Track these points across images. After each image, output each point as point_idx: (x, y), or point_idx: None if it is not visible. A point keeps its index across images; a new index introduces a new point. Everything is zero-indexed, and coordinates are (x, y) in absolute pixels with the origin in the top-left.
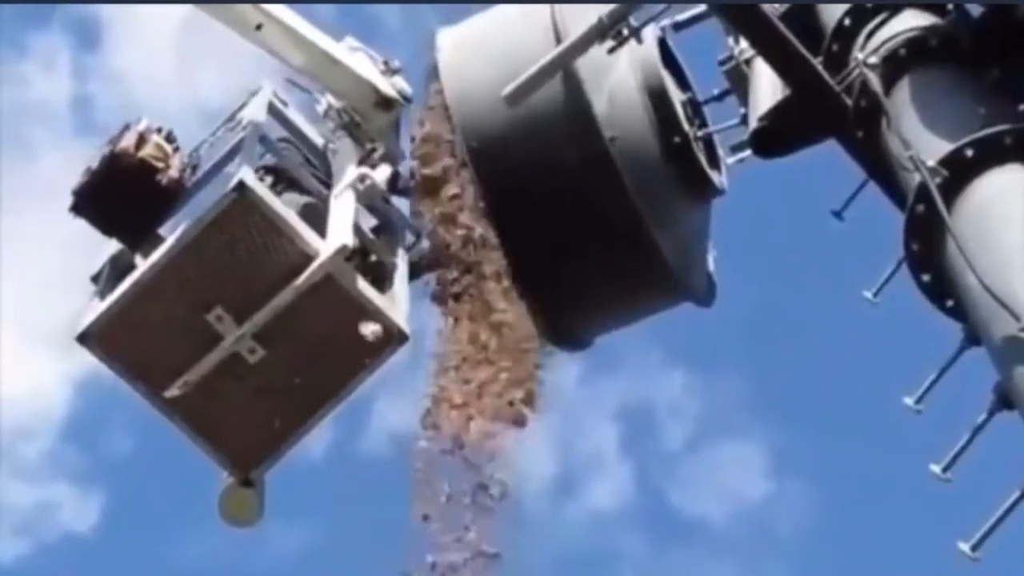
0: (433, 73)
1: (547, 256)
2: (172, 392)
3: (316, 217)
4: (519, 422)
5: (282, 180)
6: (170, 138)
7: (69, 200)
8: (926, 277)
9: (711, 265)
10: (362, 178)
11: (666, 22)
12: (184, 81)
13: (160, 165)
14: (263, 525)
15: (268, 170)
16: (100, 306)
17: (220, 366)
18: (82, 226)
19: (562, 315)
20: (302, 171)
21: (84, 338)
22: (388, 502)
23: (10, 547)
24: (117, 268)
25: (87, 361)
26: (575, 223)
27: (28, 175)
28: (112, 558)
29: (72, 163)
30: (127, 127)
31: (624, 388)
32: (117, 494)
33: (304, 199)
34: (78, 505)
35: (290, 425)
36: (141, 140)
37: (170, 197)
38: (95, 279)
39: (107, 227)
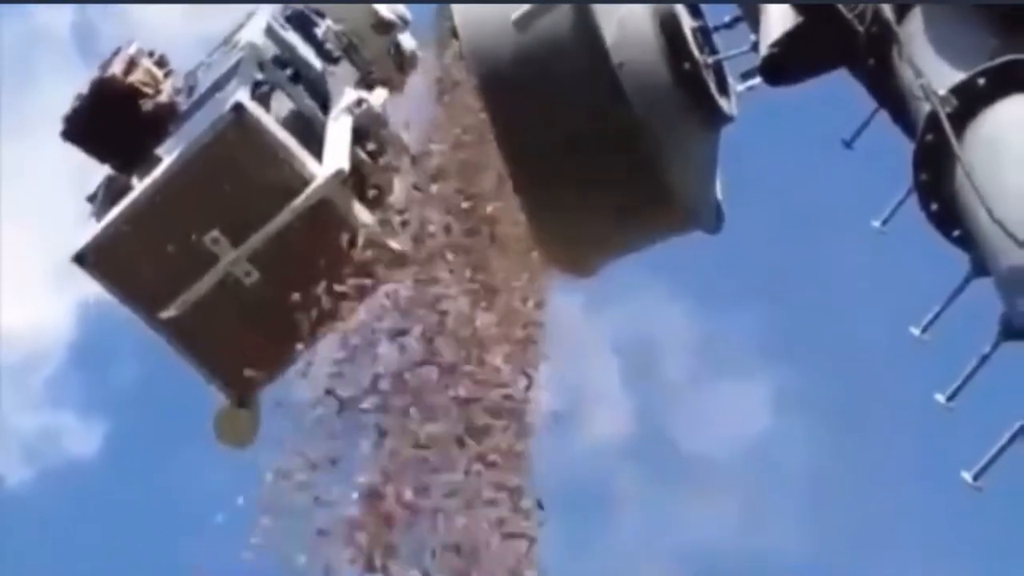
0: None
1: (554, 182)
2: (168, 313)
3: (313, 140)
4: None
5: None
6: (162, 62)
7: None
8: (934, 206)
9: (719, 193)
10: (359, 102)
11: None
12: (188, 6)
13: (149, 91)
14: None
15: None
16: (96, 227)
17: (216, 288)
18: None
19: (569, 241)
20: (298, 93)
21: (80, 259)
22: None
23: (15, 473)
24: (113, 189)
25: (92, 289)
26: (583, 149)
27: (32, 103)
28: (115, 485)
29: (76, 91)
30: (117, 52)
31: (627, 321)
32: (121, 421)
33: (299, 121)
34: (82, 432)
35: (285, 347)
36: (131, 65)
37: (160, 122)
38: (91, 199)
39: (97, 153)
